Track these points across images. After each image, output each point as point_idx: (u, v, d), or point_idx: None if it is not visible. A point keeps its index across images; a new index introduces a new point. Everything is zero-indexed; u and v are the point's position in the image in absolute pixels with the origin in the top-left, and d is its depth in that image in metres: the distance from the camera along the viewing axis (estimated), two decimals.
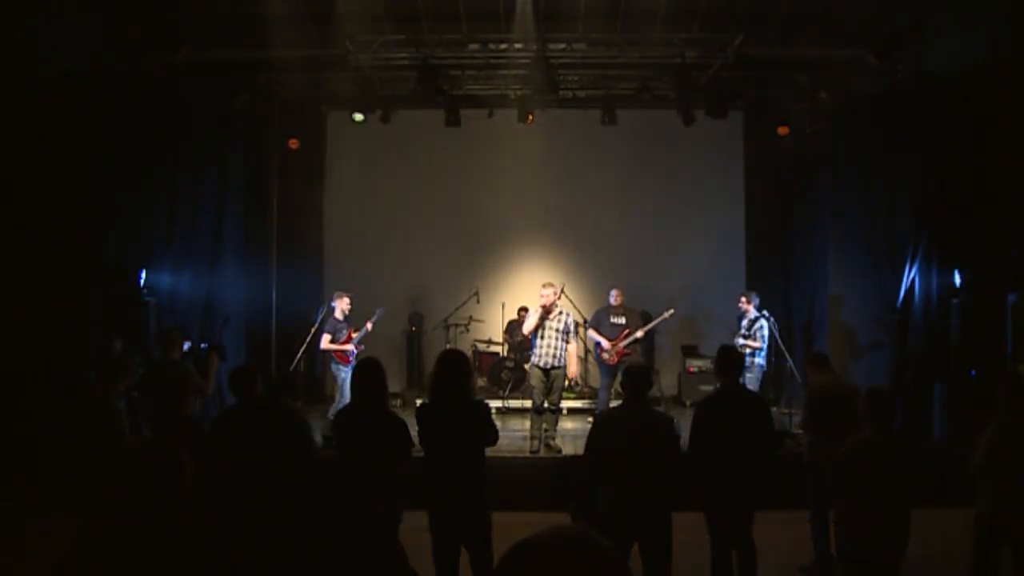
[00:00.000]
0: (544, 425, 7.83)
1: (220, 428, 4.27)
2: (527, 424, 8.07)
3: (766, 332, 8.63)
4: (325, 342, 8.37)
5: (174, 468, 2.31)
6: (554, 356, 7.72)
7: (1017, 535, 4.36)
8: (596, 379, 10.18)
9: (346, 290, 8.72)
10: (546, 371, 7.74)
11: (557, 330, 7.74)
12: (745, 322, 8.82)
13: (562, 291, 10.83)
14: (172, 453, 2.34)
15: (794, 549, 5.64)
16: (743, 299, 8.95)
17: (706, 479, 4.61)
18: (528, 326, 7.91)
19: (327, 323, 8.46)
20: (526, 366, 9.44)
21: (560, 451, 7.80)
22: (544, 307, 7.78)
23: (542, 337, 7.75)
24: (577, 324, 10.79)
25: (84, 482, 5.21)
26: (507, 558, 1.38)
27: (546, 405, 7.83)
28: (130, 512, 2.24)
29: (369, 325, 8.56)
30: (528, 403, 8.20)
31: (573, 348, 7.92)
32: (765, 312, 8.66)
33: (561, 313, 7.84)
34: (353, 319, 8.62)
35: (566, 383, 8.12)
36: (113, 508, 2.30)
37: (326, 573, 1.86)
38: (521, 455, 7.67)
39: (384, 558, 1.73)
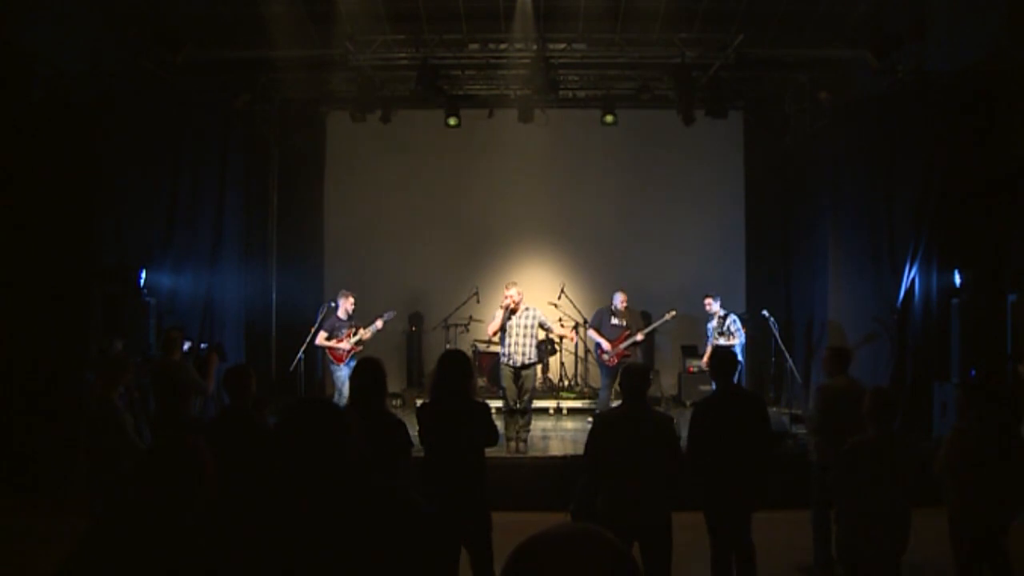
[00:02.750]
0: (515, 428, 7.75)
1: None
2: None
3: (739, 326, 8.68)
4: (320, 339, 8.38)
5: (193, 469, 2.31)
6: (523, 354, 7.67)
7: (979, 536, 4.39)
8: (596, 379, 10.18)
9: (351, 290, 8.72)
10: (515, 370, 7.71)
11: (525, 327, 7.69)
12: (714, 322, 8.87)
13: (562, 291, 10.88)
14: (190, 454, 2.33)
15: (794, 549, 5.65)
16: (708, 300, 9.04)
17: (705, 479, 4.62)
18: (491, 328, 7.92)
19: (327, 320, 8.47)
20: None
21: (525, 453, 7.72)
22: (505, 308, 7.73)
23: (508, 336, 7.72)
24: (578, 324, 10.88)
25: (89, 482, 5.22)
26: (514, 556, 1.37)
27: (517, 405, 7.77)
28: (145, 514, 2.23)
29: (379, 323, 8.51)
30: (535, 403, 8.14)
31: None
32: (765, 313, 8.67)
33: (528, 310, 7.78)
34: (357, 319, 8.63)
35: (537, 384, 8.07)
36: (127, 509, 2.29)
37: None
38: (521, 456, 7.65)
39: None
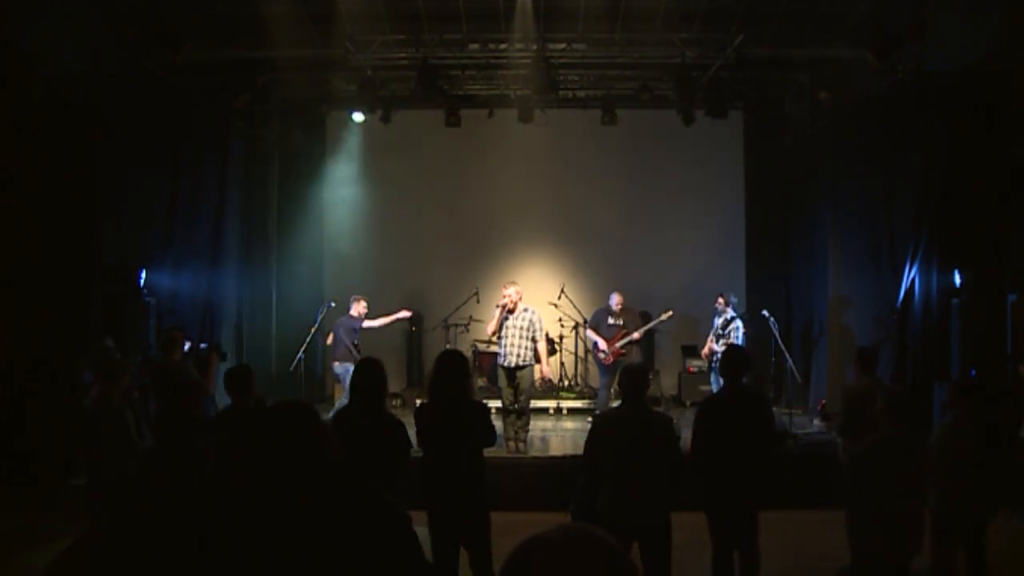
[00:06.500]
0: (514, 429, 7.72)
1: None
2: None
3: (740, 333, 8.68)
4: (350, 340, 8.44)
5: (194, 469, 2.31)
6: (517, 355, 7.63)
7: (964, 532, 4.41)
8: (596, 379, 10.18)
9: (363, 294, 8.75)
10: (510, 371, 7.68)
11: (521, 328, 7.64)
12: (720, 321, 8.86)
13: (562, 291, 10.88)
14: (196, 454, 2.33)
15: (795, 549, 5.64)
16: (720, 299, 9.00)
17: (706, 479, 4.61)
18: (490, 327, 7.90)
19: (355, 321, 8.57)
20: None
21: (524, 453, 7.71)
22: (503, 307, 7.71)
23: (505, 336, 7.69)
24: (578, 324, 10.89)
25: (89, 482, 5.22)
26: (513, 557, 1.38)
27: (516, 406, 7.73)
28: (153, 516, 2.23)
29: (390, 318, 8.72)
30: (535, 403, 8.11)
31: (543, 348, 7.79)
32: (765, 313, 8.67)
33: (526, 311, 7.73)
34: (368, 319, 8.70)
35: (537, 384, 8.03)
36: (132, 509, 2.29)
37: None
38: (520, 456, 7.64)
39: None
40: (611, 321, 8.91)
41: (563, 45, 9.41)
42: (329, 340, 8.50)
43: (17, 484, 6.89)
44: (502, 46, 9.33)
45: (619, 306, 8.96)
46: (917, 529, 4.08)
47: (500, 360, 7.78)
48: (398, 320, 8.91)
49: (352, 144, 11.42)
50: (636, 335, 8.89)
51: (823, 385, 9.82)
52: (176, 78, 8.52)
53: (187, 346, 6.96)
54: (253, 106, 9.98)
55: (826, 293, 9.92)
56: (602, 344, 8.83)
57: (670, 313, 9.25)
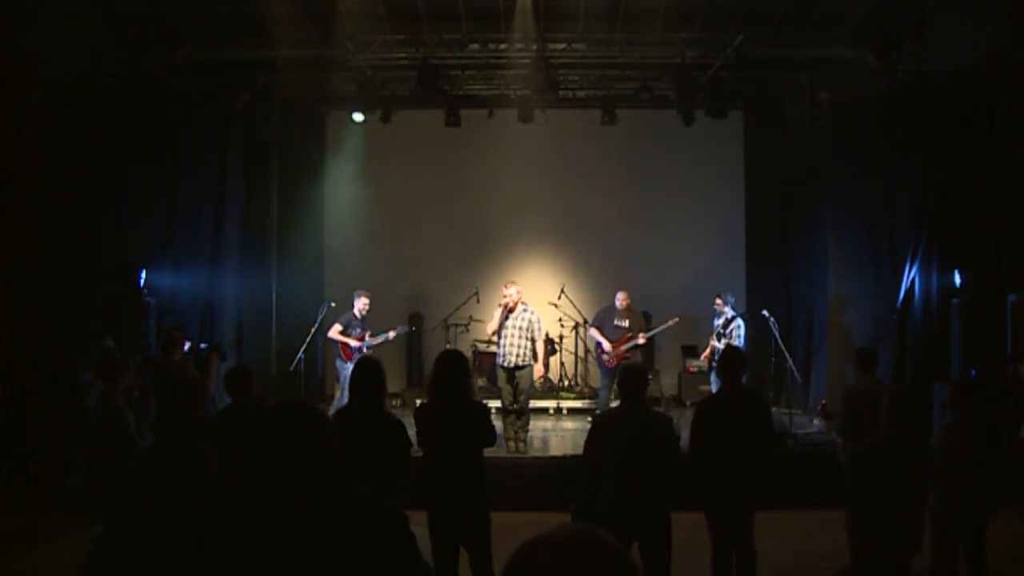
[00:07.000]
0: (514, 429, 7.72)
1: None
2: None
3: (742, 332, 8.69)
4: (334, 332, 8.41)
5: (200, 470, 2.31)
6: (516, 355, 7.63)
7: (964, 532, 4.41)
8: (596, 379, 10.18)
9: (366, 290, 8.75)
10: (509, 371, 7.68)
11: (520, 328, 7.65)
12: (721, 321, 8.88)
13: (562, 291, 10.88)
14: (197, 455, 2.33)
15: (794, 549, 5.64)
16: (718, 300, 9.04)
17: (706, 479, 4.61)
18: (491, 327, 7.90)
19: (342, 315, 8.52)
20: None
21: (524, 453, 7.71)
22: (504, 306, 7.72)
23: (504, 336, 7.68)
24: (578, 324, 10.89)
25: (89, 482, 5.22)
26: (514, 557, 1.38)
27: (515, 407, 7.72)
28: (153, 516, 2.23)
29: (392, 334, 8.68)
30: (535, 403, 8.09)
31: (540, 348, 7.77)
32: (765, 313, 8.67)
33: (525, 311, 7.74)
34: (370, 321, 8.66)
35: (535, 383, 8.02)
36: (136, 512, 2.29)
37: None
38: (520, 456, 7.64)
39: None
40: (616, 322, 8.86)
41: (563, 45, 9.41)
42: (333, 333, 8.51)
43: (17, 484, 6.89)
44: (502, 46, 9.33)
45: (624, 303, 8.88)
46: (917, 529, 4.08)
47: (499, 360, 7.78)
48: (391, 339, 8.88)
49: (352, 144, 11.41)
50: (641, 339, 8.86)
51: (823, 385, 9.82)
52: (176, 78, 8.52)
53: (187, 346, 6.96)
54: (253, 106, 9.99)
55: (826, 293, 9.92)
56: (607, 346, 8.78)
57: (676, 319, 9.31)
